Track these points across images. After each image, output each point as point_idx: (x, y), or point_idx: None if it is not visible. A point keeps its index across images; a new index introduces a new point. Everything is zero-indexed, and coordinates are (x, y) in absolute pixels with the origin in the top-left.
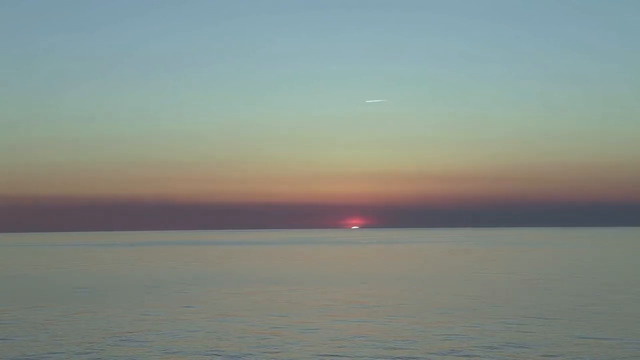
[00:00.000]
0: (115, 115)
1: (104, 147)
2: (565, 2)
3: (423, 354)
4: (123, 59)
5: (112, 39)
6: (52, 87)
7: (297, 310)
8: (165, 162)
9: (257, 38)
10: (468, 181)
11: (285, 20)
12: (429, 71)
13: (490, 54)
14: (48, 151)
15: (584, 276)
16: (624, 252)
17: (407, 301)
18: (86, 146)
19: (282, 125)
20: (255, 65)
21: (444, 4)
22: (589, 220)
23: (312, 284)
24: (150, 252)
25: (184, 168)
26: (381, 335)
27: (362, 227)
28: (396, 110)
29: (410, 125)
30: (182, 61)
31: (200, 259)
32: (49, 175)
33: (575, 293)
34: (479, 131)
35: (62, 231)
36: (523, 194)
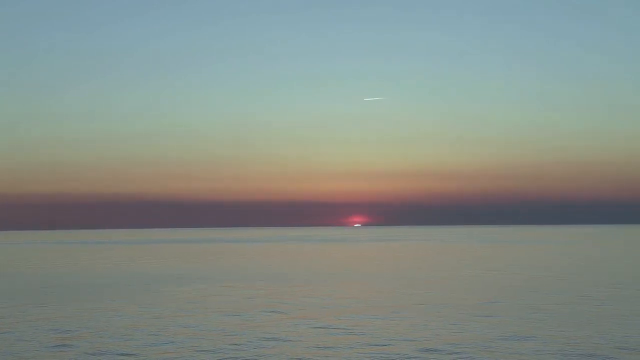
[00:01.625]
0: (116, 114)
1: (104, 146)
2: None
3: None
4: (124, 58)
5: (113, 38)
6: (53, 86)
7: (244, 311)
8: (166, 160)
9: (257, 38)
10: (469, 179)
11: (284, 20)
12: (429, 69)
13: (489, 52)
14: (49, 150)
15: (557, 275)
16: (616, 251)
17: (357, 300)
18: (87, 145)
19: (283, 124)
20: (255, 65)
21: (442, 2)
22: (591, 219)
23: (282, 283)
24: (143, 250)
25: (185, 166)
26: (300, 336)
27: (364, 225)
28: (396, 108)
29: (410, 123)
30: (183, 60)
31: (190, 257)
32: (50, 173)
33: (537, 292)
34: (478, 129)
35: (63, 229)
36: (523, 192)
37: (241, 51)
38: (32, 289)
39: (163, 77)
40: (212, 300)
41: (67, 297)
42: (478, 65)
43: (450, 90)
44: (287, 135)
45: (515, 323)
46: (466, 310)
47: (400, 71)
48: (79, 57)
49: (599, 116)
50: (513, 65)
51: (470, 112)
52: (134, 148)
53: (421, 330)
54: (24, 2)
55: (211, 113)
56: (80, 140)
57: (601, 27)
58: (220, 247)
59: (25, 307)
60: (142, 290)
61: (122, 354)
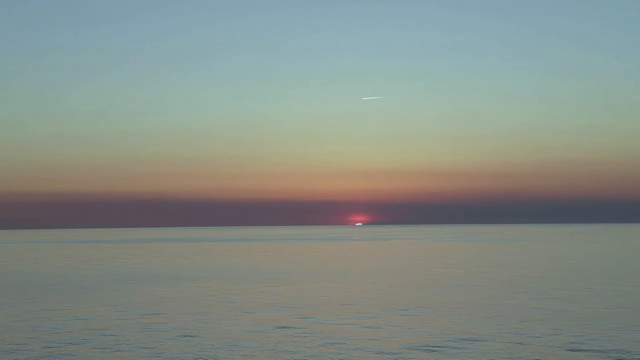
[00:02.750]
0: (124, 111)
1: (113, 143)
2: None
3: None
4: (132, 55)
5: (119, 36)
6: (61, 83)
7: (203, 312)
8: (173, 158)
9: (260, 36)
10: (470, 177)
11: (285, 18)
12: (429, 67)
13: (487, 48)
14: (54, 148)
15: (539, 274)
16: (607, 250)
17: (322, 300)
18: (95, 142)
19: (285, 122)
20: (258, 63)
21: (441, 0)
22: (592, 217)
23: (259, 282)
24: (142, 249)
25: (188, 164)
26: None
27: (366, 223)
28: (396, 107)
29: (411, 121)
30: (187, 58)
31: (185, 255)
32: (55, 172)
33: (485, 289)
34: (478, 127)
35: (67, 228)
36: (524, 190)
37: (243, 49)
38: (9, 288)
39: (172, 74)
40: (179, 299)
41: (34, 295)
42: (476, 62)
43: (451, 89)
44: (289, 133)
45: (463, 323)
46: (427, 310)
47: (401, 69)
48: (84, 56)
49: (598, 112)
50: (512, 63)
51: (472, 110)
52: (143, 145)
53: (375, 331)
54: (30, 1)
55: (213, 111)
56: (85, 139)
57: (599, 21)
58: (218, 246)
59: None
60: (118, 289)
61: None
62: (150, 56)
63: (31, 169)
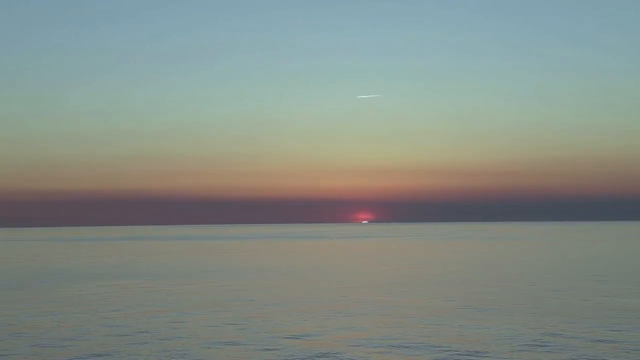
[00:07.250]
0: (124, 111)
1: (113, 143)
2: None
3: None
4: (132, 55)
5: (121, 35)
6: (61, 83)
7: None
8: (174, 157)
9: (260, 35)
10: (473, 176)
11: (286, 17)
12: (430, 66)
13: (486, 47)
14: (56, 147)
15: (485, 271)
16: (594, 248)
17: (264, 298)
18: (95, 142)
19: (290, 121)
20: (260, 62)
21: None
22: (591, 215)
23: (204, 278)
24: (121, 246)
25: (192, 163)
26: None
27: (371, 221)
28: (398, 105)
29: (413, 120)
30: (189, 57)
31: (169, 253)
32: (57, 171)
33: (439, 287)
34: (478, 126)
35: (68, 226)
36: (524, 189)
37: (243, 49)
38: None
39: (174, 73)
40: (130, 296)
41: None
42: (475, 61)
43: (451, 88)
44: (290, 133)
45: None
46: (363, 309)
47: (401, 69)
48: (84, 56)
49: (599, 110)
50: (512, 63)
51: (472, 109)
52: (145, 144)
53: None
54: (30, 1)
55: (213, 111)
56: (88, 138)
57: (599, 20)
58: (214, 244)
59: None
60: (54, 287)
61: None
62: (150, 56)
63: (31, 169)
